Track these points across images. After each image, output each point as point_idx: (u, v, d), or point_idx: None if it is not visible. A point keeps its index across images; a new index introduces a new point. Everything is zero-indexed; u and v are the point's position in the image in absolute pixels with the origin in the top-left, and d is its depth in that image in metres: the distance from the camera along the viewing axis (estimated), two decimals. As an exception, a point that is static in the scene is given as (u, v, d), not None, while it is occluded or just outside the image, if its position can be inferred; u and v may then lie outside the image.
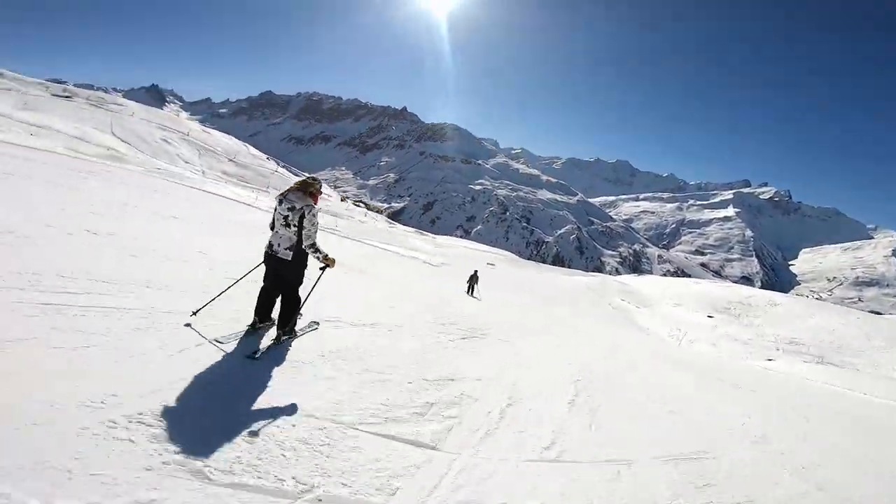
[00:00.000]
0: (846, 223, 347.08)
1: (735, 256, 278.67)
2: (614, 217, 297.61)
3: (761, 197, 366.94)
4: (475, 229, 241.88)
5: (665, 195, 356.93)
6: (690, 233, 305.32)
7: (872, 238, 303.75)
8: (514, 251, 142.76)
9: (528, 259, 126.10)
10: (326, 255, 3.59)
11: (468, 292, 15.64)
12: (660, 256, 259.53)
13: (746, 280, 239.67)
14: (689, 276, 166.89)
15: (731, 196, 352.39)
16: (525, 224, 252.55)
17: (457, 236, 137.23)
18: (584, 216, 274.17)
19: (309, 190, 3.62)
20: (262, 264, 3.67)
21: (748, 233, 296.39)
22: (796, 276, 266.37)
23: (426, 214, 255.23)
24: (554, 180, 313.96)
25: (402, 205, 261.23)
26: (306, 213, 3.46)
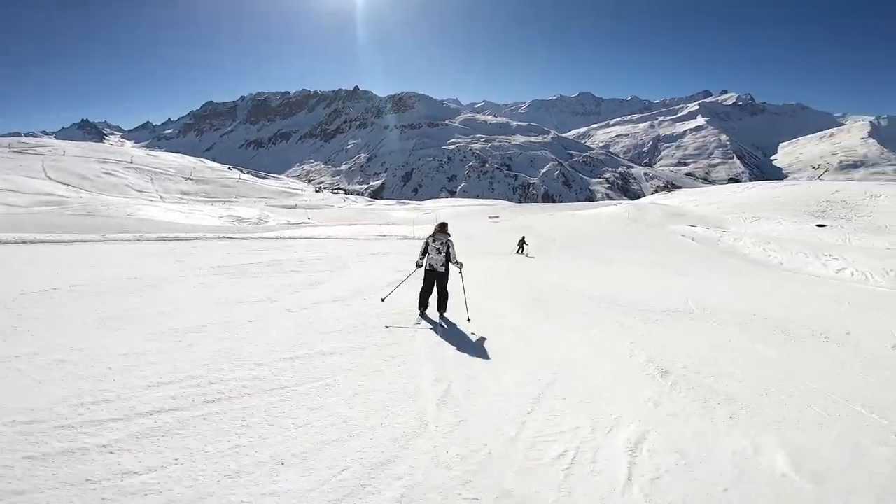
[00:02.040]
0: (814, 115, 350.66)
1: (717, 161, 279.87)
2: (591, 146, 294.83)
3: (725, 103, 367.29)
4: (459, 187, 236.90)
5: (634, 117, 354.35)
6: (668, 147, 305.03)
7: (843, 125, 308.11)
8: (504, 199, 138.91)
9: (520, 203, 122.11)
10: (462, 265, 5.97)
11: (520, 251, 17.44)
12: (646, 174, 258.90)
13: (735, 181, 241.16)
14: (680, 187, 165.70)
15: (696, 107, 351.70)
16: (507, 171, 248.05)
17: (442, 198, 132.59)
18: (563, 151, 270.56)
19: (446, 230, 5.92)
20: (423, 275, 5.93)
21: (723, 137, 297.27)
22: (781, 169, 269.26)
23: (407, 185, 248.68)
24: (524, 123, 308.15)
25: (380, 181, 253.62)
26: (451, 244, 5.86)
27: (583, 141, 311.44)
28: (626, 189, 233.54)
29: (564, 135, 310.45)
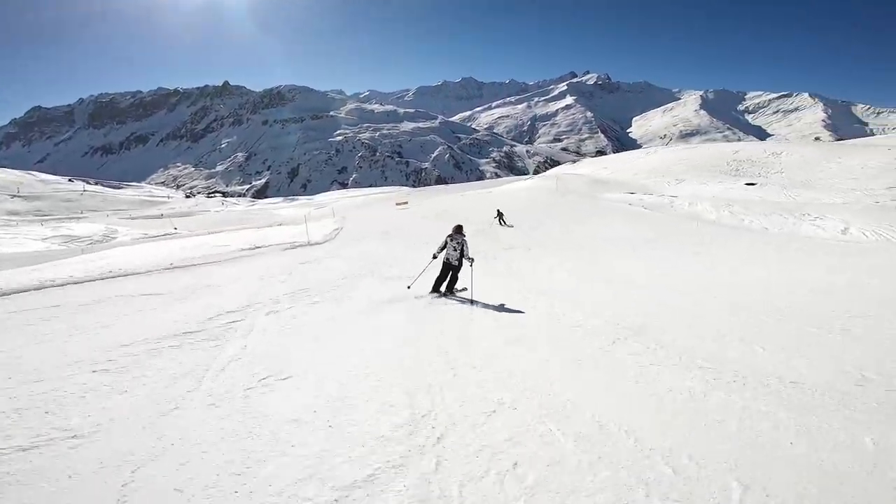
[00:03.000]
0: (658, 91, 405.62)
1: (586, 136, 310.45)
2: (477, 129, 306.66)
3: (588, 83, 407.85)
4: (351, 178, 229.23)
5: (513, 99, 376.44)
6: (544, 125, 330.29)
7: (680, 99, 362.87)
8: (398, 186, 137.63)
9: (416, 188, 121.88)
10: (473, 260, 7.04)
11: (500, 222, 18.22)
12: (528, 151, 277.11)
13: (602, 153, 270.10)
14: (559, 162, 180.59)
15: (565, 87, 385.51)
16: (399, 158, 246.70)
17: (335, 191, 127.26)
18: (451, 135, 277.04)
19: (462, 232, 7.23)
20: (441, 266, 7.14)
21: (588, 114, 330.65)
22: (636, 140, 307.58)
23: (295, 181, 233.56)
24: (412, 110, 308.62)
25: (263, 180, 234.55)
26: (465, 244, 7.03)
27: (468, 124, 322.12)
28: (513, 167, 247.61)
29: (451, 119, 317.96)
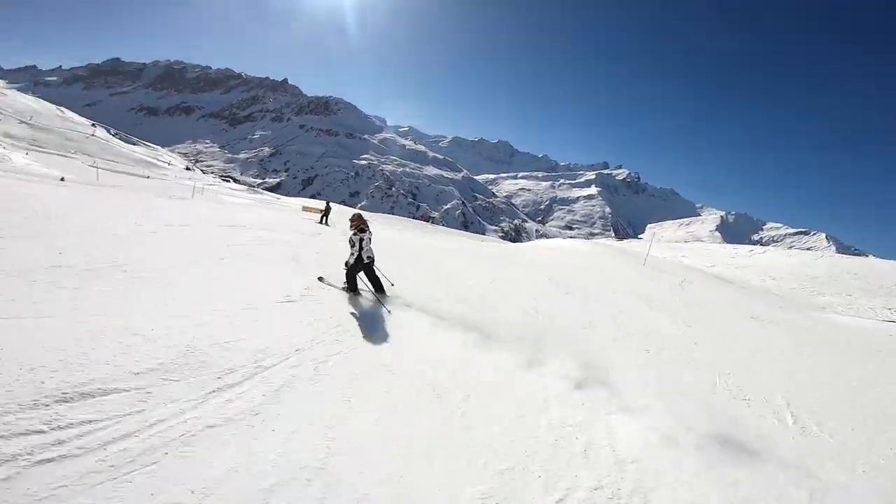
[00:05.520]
0: (681, 202, 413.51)
1: (597, 231, 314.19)
2: (496, 193, 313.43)
3: (617, 178, 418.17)
4: (360, 204, 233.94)
5: (540, 174, 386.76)
6: (561, 209, 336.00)
7: (700, 215, 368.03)
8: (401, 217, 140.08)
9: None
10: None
11: (322, 221, 17.13)
12: (537, 231, 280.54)
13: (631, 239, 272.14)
14: None
15: (593, 176, 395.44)
16: (411, 199, 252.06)
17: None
18: (469, 192, 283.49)
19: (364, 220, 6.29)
20: (361, 266, 6.07)
21: (607, 210, 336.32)
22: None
23: (305, 190, 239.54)
24: (440, 157, 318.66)
25: (277, 179, 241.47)
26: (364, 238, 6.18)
27: (490, 187, 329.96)
28: (517, 241, 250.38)
29: (475, 177, 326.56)
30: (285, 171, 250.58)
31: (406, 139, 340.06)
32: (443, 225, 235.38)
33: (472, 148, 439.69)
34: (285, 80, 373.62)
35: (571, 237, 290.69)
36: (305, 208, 26.25)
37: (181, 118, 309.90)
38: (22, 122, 69.04)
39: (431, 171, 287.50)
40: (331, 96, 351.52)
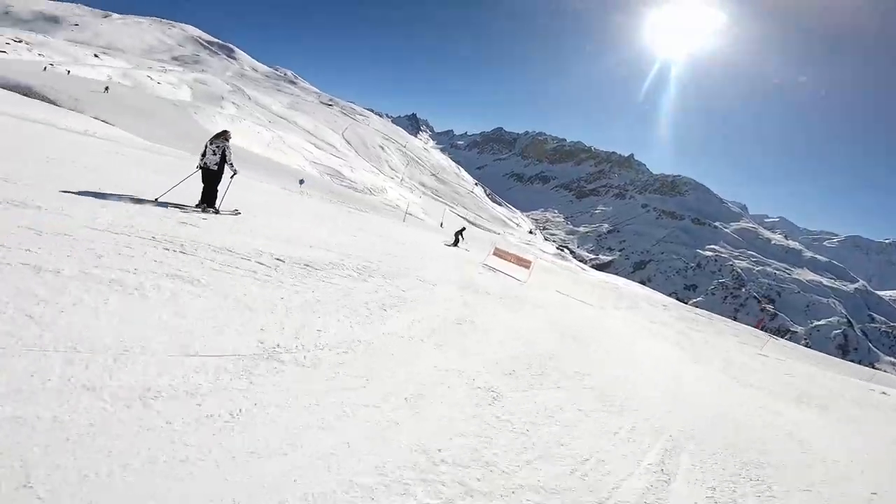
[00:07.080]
0: None
1: None
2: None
3: None
4: (693, 300, 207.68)
5: None
6: None
7: None
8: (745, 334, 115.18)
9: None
10: (236, 170, 7.13)
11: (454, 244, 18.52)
12: None
13: None
14: None
15: None
16: (767, 305, 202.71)
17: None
18: (863, 310, 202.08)
19: (226, 136, 6.86)
20: (201, 175, 6.67)
21: None
22: None
23: (636, 273, 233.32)
24: (823, 259, 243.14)
25: (609, 258, 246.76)
26: (227, 147, 6.76)
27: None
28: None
29: (878, 291, 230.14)
30: (620, 252, 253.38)
31: (774, 232, 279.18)
32: (806, 344, 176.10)
33: (878, 252, 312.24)
34: (631, 156, 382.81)
35: None
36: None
37: (539, 186, 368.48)
38: (433, 174, 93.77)
39: (806, 275, 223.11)
40: (678, 175, 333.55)
